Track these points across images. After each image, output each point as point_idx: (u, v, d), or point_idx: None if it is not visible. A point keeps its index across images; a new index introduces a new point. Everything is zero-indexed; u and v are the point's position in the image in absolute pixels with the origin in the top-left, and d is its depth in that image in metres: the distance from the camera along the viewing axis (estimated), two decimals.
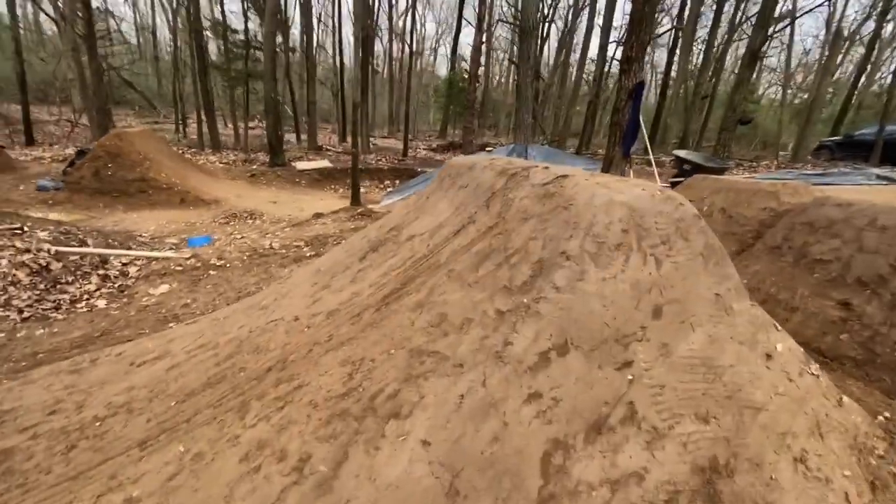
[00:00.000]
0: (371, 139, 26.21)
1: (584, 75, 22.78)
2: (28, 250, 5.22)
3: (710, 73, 18.28)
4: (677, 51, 17.84)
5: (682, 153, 9.58)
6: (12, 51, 13.20)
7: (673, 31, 18.33)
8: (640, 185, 1.85)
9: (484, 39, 16.62)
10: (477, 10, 15.28)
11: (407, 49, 23.53)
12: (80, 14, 13.65)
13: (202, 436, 1.96)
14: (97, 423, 2.47)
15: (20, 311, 4.46)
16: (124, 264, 5.86)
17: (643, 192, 1.76)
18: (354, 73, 13.58)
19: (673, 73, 20.67)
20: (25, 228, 5.78)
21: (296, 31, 27.69)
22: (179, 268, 5.58)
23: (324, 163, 13.91)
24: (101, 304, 4.80)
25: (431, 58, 49.34)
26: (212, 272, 5.55)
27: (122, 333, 4.18)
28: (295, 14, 30.30)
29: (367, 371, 1.79)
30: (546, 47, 30.70)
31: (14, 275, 4.79)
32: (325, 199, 11.74)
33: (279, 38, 14.49)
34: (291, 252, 6.20)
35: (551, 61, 30.82)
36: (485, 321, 1.65)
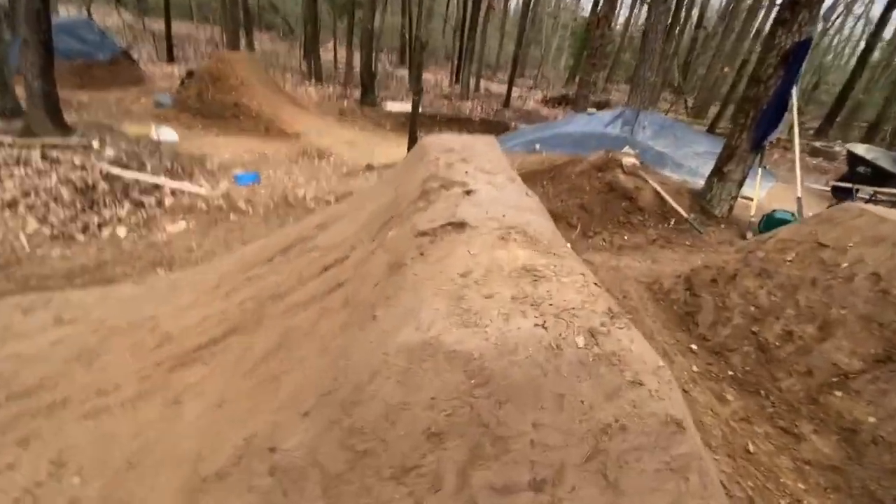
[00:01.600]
0: (489, 83, 24.56)
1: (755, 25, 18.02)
2: (83, 167, 5.49)
3: None
4: None
5: (859, 149, 6.84)
6: None
7: None
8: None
9: None
10: None
11: None
12: None
13: None
14: None
15: (52, 228, 4.70)
16: (173, 193, 5.94)
17: (535, 331, 0.70)
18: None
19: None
20: (95, 145, 6.12)
21: None
22: (205, 206, 5.47)
23: None
24: (122, 232, 4.87)
25: None
26: (232, 216, 5.34)
27: (113, 271, 4.13)
28: None
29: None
30: None
31: (59, 190, 5.06)
32: (403, 145, 11.13)
33: None
34: (320, 206, 5.75)
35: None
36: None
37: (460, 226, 1.09)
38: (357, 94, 13.77)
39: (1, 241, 4.38)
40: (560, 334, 0.72)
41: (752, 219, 4.86)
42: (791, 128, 5.18)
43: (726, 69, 14.69)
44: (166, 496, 0.85)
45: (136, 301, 2.82)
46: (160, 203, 5.56)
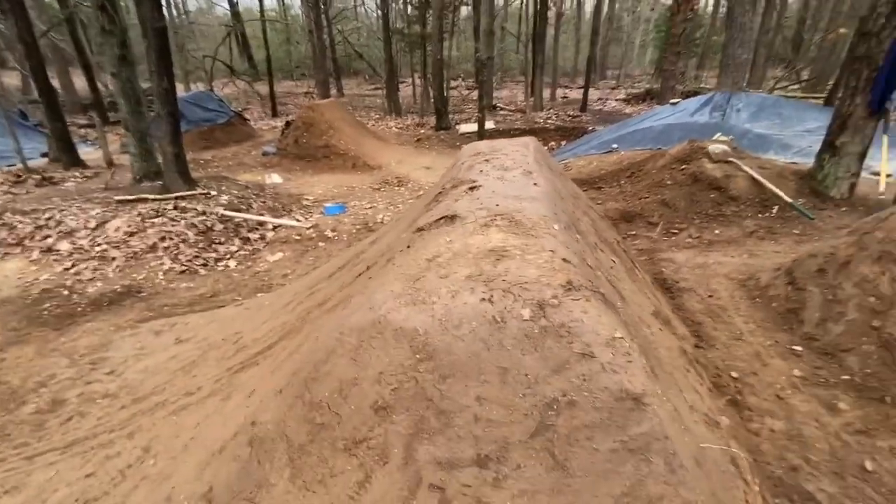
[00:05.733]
0: (567, 90, 24.02)
1: None
2: (204, 213, 6.50)
3: None
4: None
5: None
6: (262, 39, 16.67)
7: None
8: None
9: None
10: None
11: None
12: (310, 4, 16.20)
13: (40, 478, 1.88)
14: (79, 409, 2.74)
15: (181, 265, 5.61)
16: (274, 228, 6.74)
17: (480, 306, 0.70)
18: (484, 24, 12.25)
19: None
20: (213, 192, 7.22)
21: None
22: (298, 237, 6.10)
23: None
24: (232, 265, 5.63)
25: None
26: (320, 244, 5.88)
27: (224, 297, 4.79)
28: None
29: None
30: None
31: (186, 234, 6.04)
32: None
33: None
34: None
35: None
36: None
37: (451, 219, 1.12)
38: (433, 121, 14.38)
39: (146, 278, 5.36)
40: (505, 308, 0.71)
41: (882, 196, 4.04)
42: None
43: (842, 30, 12.52)
44: (192, 468, 0.98)
45: (233, 320, 3.23)
46: (263, 237, 6.34)
